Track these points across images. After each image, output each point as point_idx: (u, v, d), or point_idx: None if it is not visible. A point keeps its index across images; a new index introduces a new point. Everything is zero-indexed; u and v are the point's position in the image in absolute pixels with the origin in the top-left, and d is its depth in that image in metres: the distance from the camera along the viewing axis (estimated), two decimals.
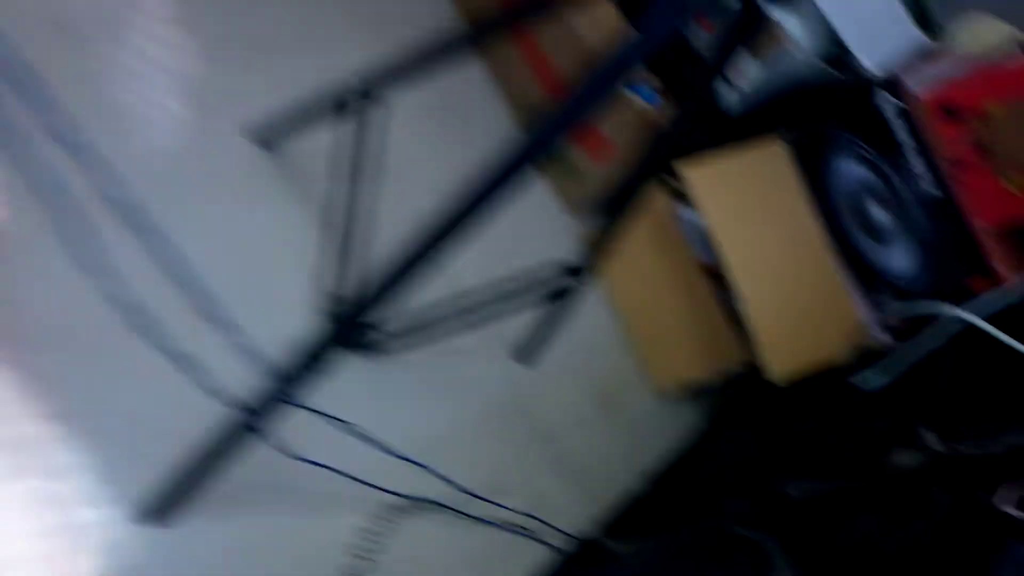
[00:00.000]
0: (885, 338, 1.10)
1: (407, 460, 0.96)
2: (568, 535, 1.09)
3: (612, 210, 1.03)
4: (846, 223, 1.19)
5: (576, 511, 1.14)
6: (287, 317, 0.93)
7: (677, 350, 1.31)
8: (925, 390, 0.91)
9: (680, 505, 1.12)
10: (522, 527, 1.06)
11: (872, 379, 1.04)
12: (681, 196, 1.27)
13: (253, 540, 0.89)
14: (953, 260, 1.09)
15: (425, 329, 1.04)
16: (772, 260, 1.17)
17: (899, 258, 1.14)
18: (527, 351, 1.17)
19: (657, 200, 1.26)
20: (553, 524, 1.08)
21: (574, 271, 1.03)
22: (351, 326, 0.86)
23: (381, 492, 0.95)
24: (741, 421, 1.30)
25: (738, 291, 1.17)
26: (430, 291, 1.09)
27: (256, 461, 0.85)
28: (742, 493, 1.00)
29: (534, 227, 1.30)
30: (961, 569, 0.54)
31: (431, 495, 0.99)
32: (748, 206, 1.18)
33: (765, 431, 1.21)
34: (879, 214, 1.15)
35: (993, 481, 0.63)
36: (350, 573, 0.91)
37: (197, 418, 0.80)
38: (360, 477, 0.93)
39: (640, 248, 1.32)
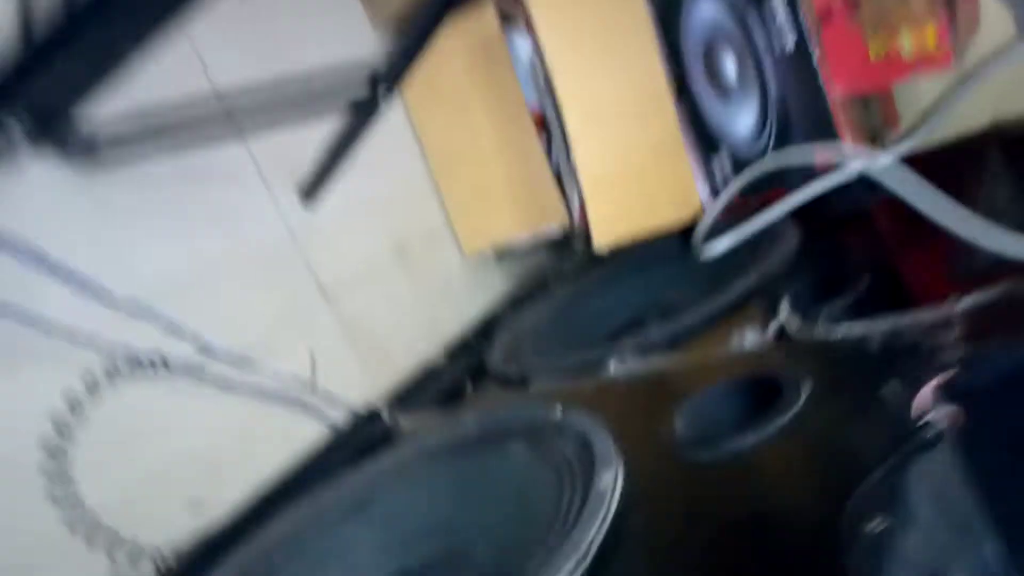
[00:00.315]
0: (718, 208, 0.99)
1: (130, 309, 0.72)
2: (350, 408, 0.92)
3: (425, 25, 0.81)
4: (693, 73, 1.05)
5: (361, 381, 0.96)
6: None
7: (492, 206, 1.14)
8: (773, 261, 0.81)
9: (479, 379, 0.98)
10: (294, 397, 0.86)
11: (710, 248, 0.93)
12: (514, 20, 1.06)
13: None
14: (799, 126, 1.00)
15: (166, 134, 0.78)
16: (611, 109, 1.01)
17: (743, 119, 1.03)
18: (313, 185, 0.94)
19: (485, 20, 1.04)
20: (333, 395, 0.90)
21: (378, 85, 0.80)
22: (34, 106, 0.60)
23: (102, 347, 0.70)
24: (556, 287, 1.18)
25: (570, 141, 1.01)
26: (178, 84, 0.83)
27: None
28: (552, 367, 0.86)
29: (329, 28, 1.04)
30: (842, 479, 0.42)
31: (172, 354, 0.76)
32: (591, 40, 1.00)
33: (582, 300, 1.09)
34: (730, 67, 1.02)
35: (868, 375, 0.52)
36: (51, 447, 0.67)
37: None
38: (68, 324, 0.68)
39: (460, 79, 1.11)
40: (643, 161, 1.02)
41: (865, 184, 0.96)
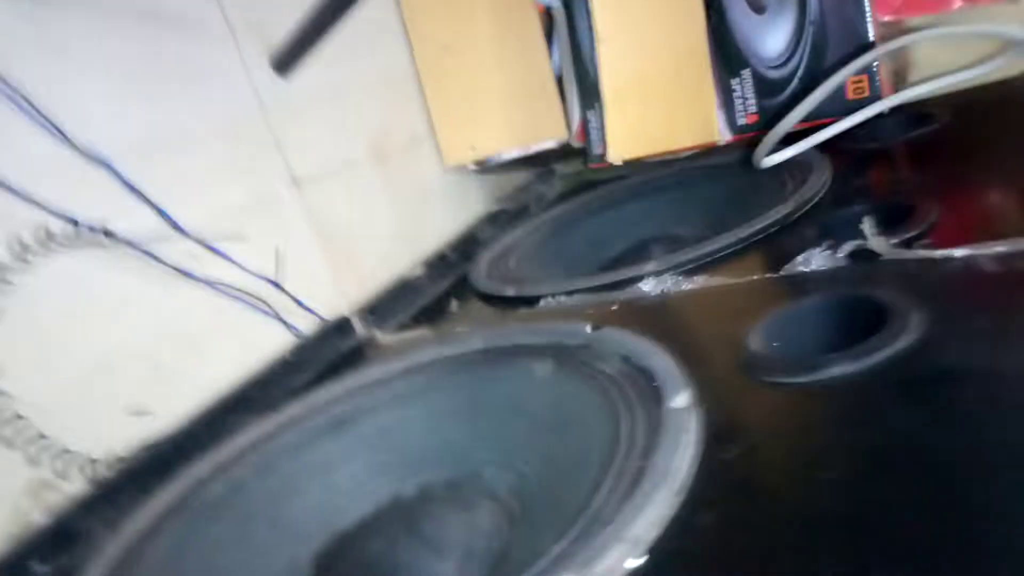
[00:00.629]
0: (793, 121, 0.89)
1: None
2: (318, 315, 0.80)
3: None
4: None
5: (330, 287, 0.84)
6: None
7: (482, 113, 1.02)
8: (811, 188, 0.73)
9: (463, 297, 0.88)
10: (256, 295, 0.74)
11: (769, 159, 0.84)
12: None
13: None
14: (834, 51, 0.92)
15: None
16: (641, 9, 0.91)
17: (774, 39, 0.94)
18: (290, 52, 0.80)
19: None
20: (299, 298, 0.78)
21: None
22: None
23: (36, 203, 0.56)
24: (539, 209, 1.08)
25: (598, 36, 0.90)
26: None
27: None
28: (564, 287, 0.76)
29: None
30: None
31: (120, 226, 0.63)
32: None
33: (574, 223, 0.99)
34: None
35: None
36: None
37: None
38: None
39: None
40: (668, 73, 0.92)
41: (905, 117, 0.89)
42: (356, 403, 0.63)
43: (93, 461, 0.59)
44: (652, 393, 0.46)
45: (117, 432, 0.61)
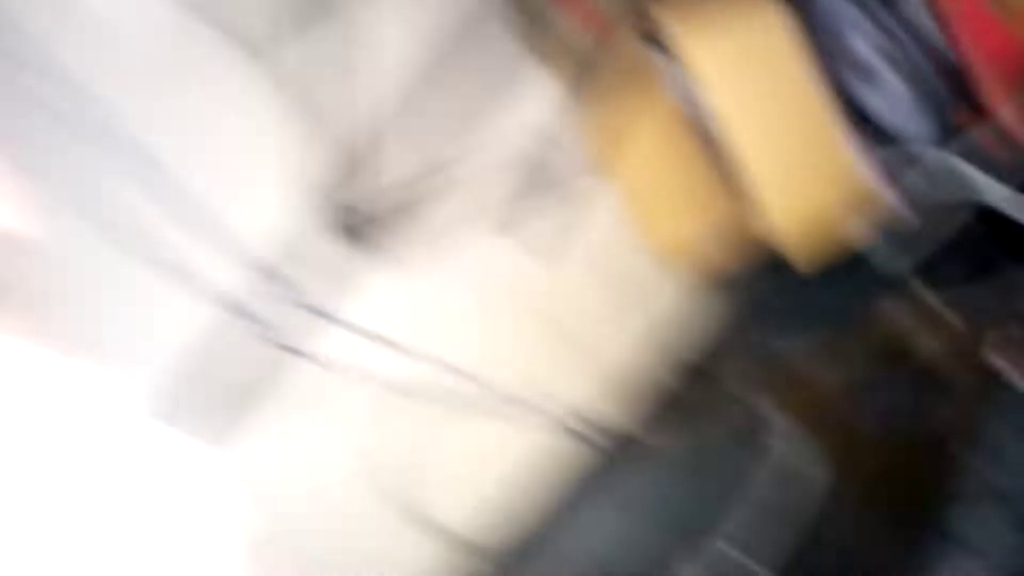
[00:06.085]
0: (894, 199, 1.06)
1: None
2: (603, 431, 1.00)
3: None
4: (831, 63, 1.13)
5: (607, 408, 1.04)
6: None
7: (674, 213, 1.22)
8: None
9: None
10: (559, 423, 0.96)
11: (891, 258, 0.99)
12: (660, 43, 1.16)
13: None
14: (942, 96, 1.07)
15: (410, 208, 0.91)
16: (768, 113, 1.10)
17: (889, 100, 1.11)
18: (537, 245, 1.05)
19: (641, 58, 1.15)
20: (589, 420, 0.99)
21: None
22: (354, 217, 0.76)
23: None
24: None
25: (737, 154, 1.10)
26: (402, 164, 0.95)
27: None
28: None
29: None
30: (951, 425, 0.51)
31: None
32: (742, 57, 1.10)
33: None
34: (864, 50, 1.10)
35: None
36: None
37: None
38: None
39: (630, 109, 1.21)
40: (805, 159, 1.10)
41: None
42: None
43: None
44: None
45: None
